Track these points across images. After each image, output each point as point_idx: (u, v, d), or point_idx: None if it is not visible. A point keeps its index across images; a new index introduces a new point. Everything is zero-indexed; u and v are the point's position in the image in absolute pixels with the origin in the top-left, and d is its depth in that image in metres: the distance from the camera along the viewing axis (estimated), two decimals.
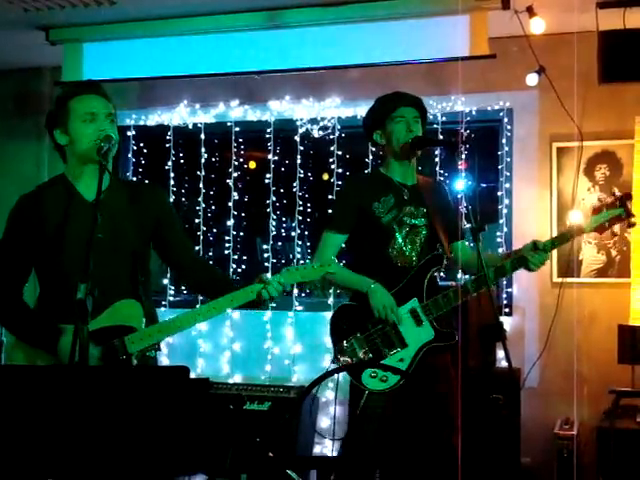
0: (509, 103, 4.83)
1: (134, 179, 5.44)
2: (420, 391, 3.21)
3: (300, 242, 5.22)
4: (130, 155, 5.55)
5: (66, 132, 2.62)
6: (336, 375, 3.26)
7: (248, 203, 5.36)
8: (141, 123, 5.44)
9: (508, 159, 4.85)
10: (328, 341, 4.76)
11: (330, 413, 4.40)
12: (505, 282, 4.73)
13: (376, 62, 4.54)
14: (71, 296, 2.19)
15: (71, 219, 2.60)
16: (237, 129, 5.30)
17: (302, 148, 5.15)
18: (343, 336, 3.21)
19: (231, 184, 5.27)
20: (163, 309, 5.14)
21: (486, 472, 3.88)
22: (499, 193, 4.88)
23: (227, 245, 5.28)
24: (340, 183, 4.96)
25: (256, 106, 5.25)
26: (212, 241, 5.44)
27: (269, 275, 2.75)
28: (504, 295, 4.74)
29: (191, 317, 2.67)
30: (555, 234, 4.66)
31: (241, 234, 5.34)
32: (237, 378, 5.14)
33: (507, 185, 4.84)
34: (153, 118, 5.42)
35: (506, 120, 4.85)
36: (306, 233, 5.24)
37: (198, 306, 2.75)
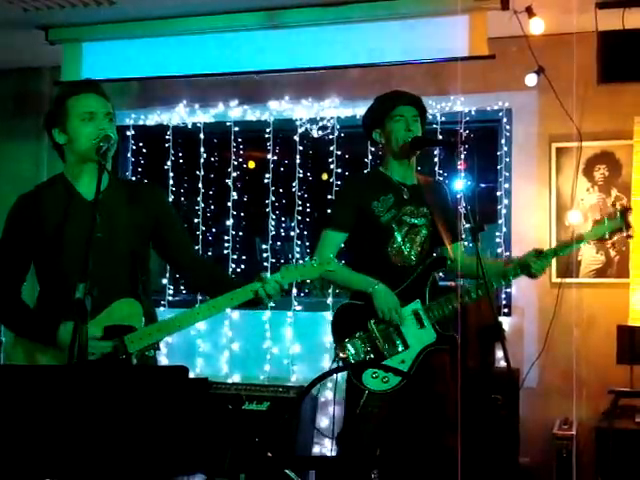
0: (508, 103, 4.83)
1: (133, 179, 5.44)
2: (418, 391, 3.21)
3: (299, 242, 5.21)
4: (129, 155, 5.55)
5: (65, 131, 2.62)
6: (335, 375, 3.26)
7: (247, 203, 5.36)
8: (140, 123, 5.44)
9: (507, 159, 4.85)
10: (327, 341, 4.77)
11: (329, 413, 4.39)
12: None
13: (375, 62, 4.53)
14: (70, 295, 2.18)
15: (70, 218, 2.60)
16: (236, 129, 5.29)
17: (301, 148, 5.15)
18: (345, 335, 3.20)
19: (230, 184, 5.27)
20: (162, 309, 5.14)
21: (485, 472, 3.88)
22: (498, 193, 4.88)
23: (226, 245, 5.28)
24: (339, 183, 4.96)
25: (255, 106, 5.24)
26: (211, 241, 5.44)
27: (269, 274, 2.75)
28: (503, 295, 4.74)
29: (190, 316, 2.67)
30: (554, 234, 4.69)
31: (240, 234, 5.34)
32: (236, 378, 5.14)
33: (506, 185, 4.84)
34: (152, 118, 5.41)
35: (505, 120, 4.85)
36: (305, 233, 5.24)
37: (197, 305, 2.74)
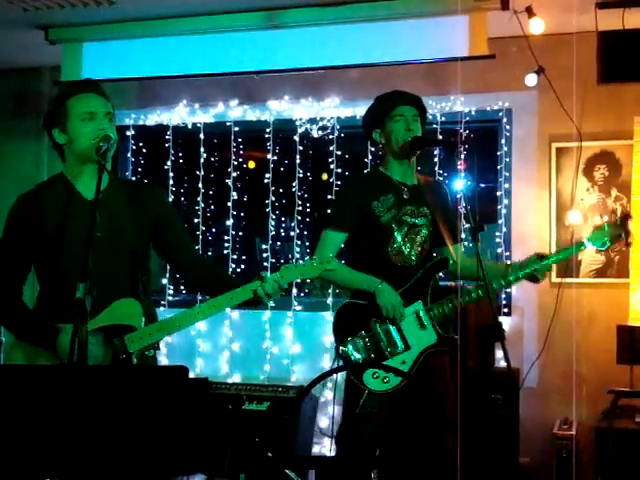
0: (508, 103, 4.83)
1: (133, 179, 5.44)
2: (417, 392, 3.21)
3: (299, 242, 5.22)
4: (129, 155, 5.55)
5: (64, 131, 2.61)
6: (335, 375, 3.26)
7: (247, 203, 5.36)
8: (140, 123, 5.44)
9: (507, 159, 4.85)
10: (327, 341, 4.77)
11: (329, 413, 4.40)
12: None
13: (375, 62, 4.53)
14: (70, 295, 2.18)
15: (70, 218, 2.60)
16: (236, 129, 5.29)
17: (301, 148, 5.15)
18: (346, 334, 3.20)
19: (230, 184, 5.27)
20: (162, 309, 5.14)
21: (485, 472, 3.88)
22: (498, 193, 4.88)
23: (226, 245, 5.28)
24: (339, 183, 4.96)
25: (255, 106, 5.25)
26: (211, 241, 5.44)
27: (269, 274, 2.75)
28: (503, 295, 4.74)
29: (190, 316, 2.67)
30: (554, 234, 4.69)
31: (240, 234, 5.34)
32: (236, 378, 5.14)
33: (506, 185, 4.84)
34: (152, 118, 5.42)
35: (505, 120, 4.85)
36: (305, 233, 5.24)
37: (197, 305, 2.75)
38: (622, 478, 3.90)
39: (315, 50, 4.61)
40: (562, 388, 4.43)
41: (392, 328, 3.19)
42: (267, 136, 5.22)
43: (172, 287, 5.30)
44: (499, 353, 4.33)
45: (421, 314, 3.21)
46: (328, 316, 4.84)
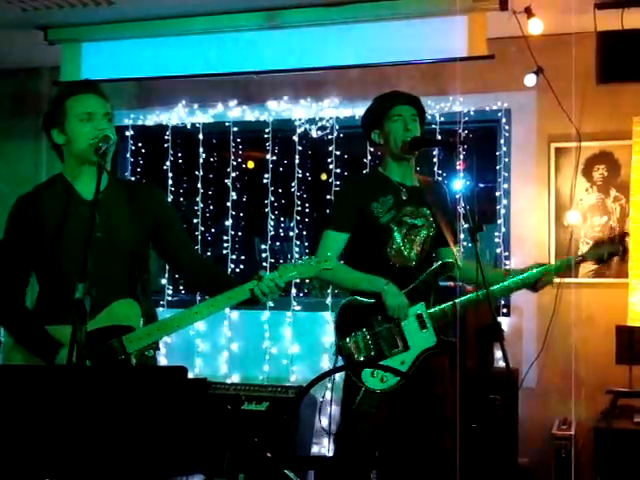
0: (507, 104, 4.83)
1: (132, 179, 5.44)
2: (416, 393, 3.21)
3: (298, 242, 5.22)
4: (128, 155, 5.54)
5: (63, 132, 2.61)
6: (333, 375, 3.26)
7: (246, 203, 5.36)
8: (139, 123, 5.44)
9: (506, 159, 4.85)
10: (326, 341, 4.77)
11: (328, 412, 4.39)
12: None
13: (374, 62, 4.54)
14: (69, 296, 2.18)
15: (69, 218, 2.60)
16: (235, 129, 5.30)
17: (300, 148, 5.15)
18: (348, 331, 3.20)
19: (229, 184, 5.27)
20: (161, 309, 5.14)
21: (484, 472, 3.88)
22: (497, 193, 4.88)
23: (225, 245, 5.28)
24: (338, 183, 4.96)
25: (254, 106, 5.25)
26: (210, 241, 5.44)
27: (268, 273, 2.75)
28: None
29: (189, 316, 2.67)
30: (553, 234, 4.69)
31: (239, 234, 5.34)
32: (235, 378, 5.14)
33: (505, 185, 4.84)
34: (151, 118, 5.41)
35: (504, 120, 4.85)
36: (304, 233, 5.24)
37: (196, 305, 2.74)
38: (621, 478, 3.91)
39: (315, 50, 4.61)
40: (561, 388, 4.43)
41: (394, 328, 3.19)
42: (266, 136, 5.22)
43: (171, 287, 5.30)
44: (498, 353, 4.33)
45: (424, 316, 3.22)
46: (327, 316, 4.84)
